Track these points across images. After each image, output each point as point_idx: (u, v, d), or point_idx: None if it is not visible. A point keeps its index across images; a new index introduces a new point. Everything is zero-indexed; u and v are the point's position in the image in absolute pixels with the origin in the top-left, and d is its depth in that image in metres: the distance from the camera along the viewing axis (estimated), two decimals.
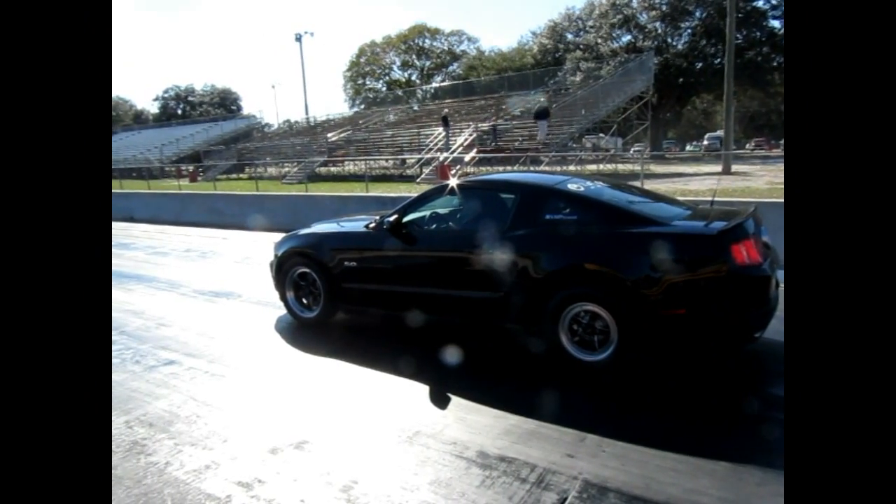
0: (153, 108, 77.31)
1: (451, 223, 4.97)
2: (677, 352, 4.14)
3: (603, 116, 26.02)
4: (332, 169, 31.60)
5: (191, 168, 34.69)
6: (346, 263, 5.10)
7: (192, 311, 6.27)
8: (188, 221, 14.98)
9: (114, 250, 10.97)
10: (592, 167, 19.75)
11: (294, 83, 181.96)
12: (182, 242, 11.81)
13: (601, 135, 25.16)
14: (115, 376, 4.40)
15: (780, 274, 3.66)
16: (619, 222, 3.98)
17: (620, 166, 22.84)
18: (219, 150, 40.35)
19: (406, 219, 4.84)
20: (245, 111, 68.65)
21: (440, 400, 3.78)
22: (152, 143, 46.84)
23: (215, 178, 32.11)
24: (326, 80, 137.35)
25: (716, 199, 4.75)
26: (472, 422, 3.45)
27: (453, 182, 4.89)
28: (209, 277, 8.02)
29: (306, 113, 47.25)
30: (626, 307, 3.78)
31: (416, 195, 5.13)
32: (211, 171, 34.20)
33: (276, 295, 5.77)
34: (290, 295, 5.61)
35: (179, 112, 74.43)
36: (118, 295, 7.11)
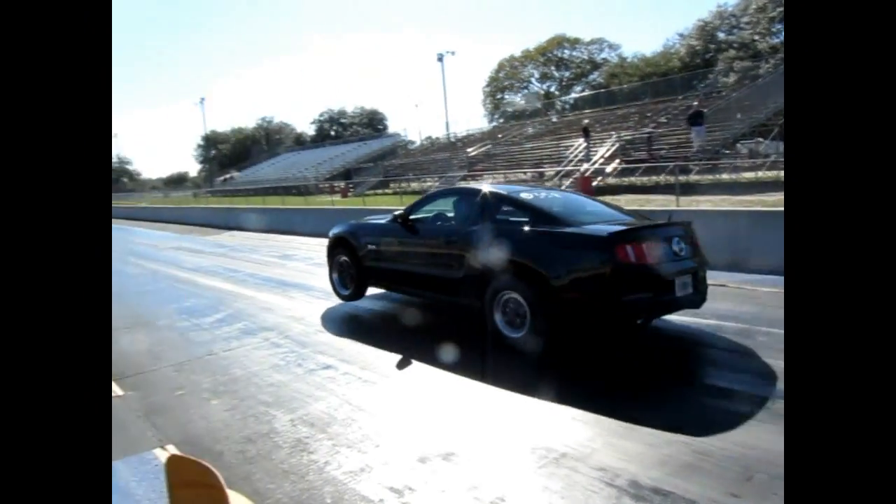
0: (310, 131, 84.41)
1: (438, 220, 6.12)
2: (576, 331, 4.93)
3: (762, 120, 23.82)
4: (472, 183, 32.24)
5: (342, 185, 37.25)
6: (368, 247, 6.69)
7: (346, 320, 6.69)
8: None
9: (278, 261, 12.08)
10: (749, 175, 18.08)
11: (435, 101, 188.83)
12: None
13: (759, 139, 23.07)
14: (281, 377, 4.82)
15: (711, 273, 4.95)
16: (543, 223, 4.86)
17: (783, 173, 20.70)
18: (367, 168, 43.02)
19: (412, 215, 6.23)
20: (390, 130, 72.54)
21: (586, 422, 3.64)
22: (309, 163, 51.13)
23: (364, 193, 34.19)
24: (466, 97, 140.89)
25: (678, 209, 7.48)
26: (622, 448, 3.28)
27: (443, 188, 6.46)
28: None
29: (447, 129, 48.64)
30: (538, 291, 4.65)
31: (422, 196, 6.62)
32: (360, 187, 36.49)
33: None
34: (334, 276, 7.37)
35: (332, 133, 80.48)
36: (282, 301, 7.81)
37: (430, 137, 52.33)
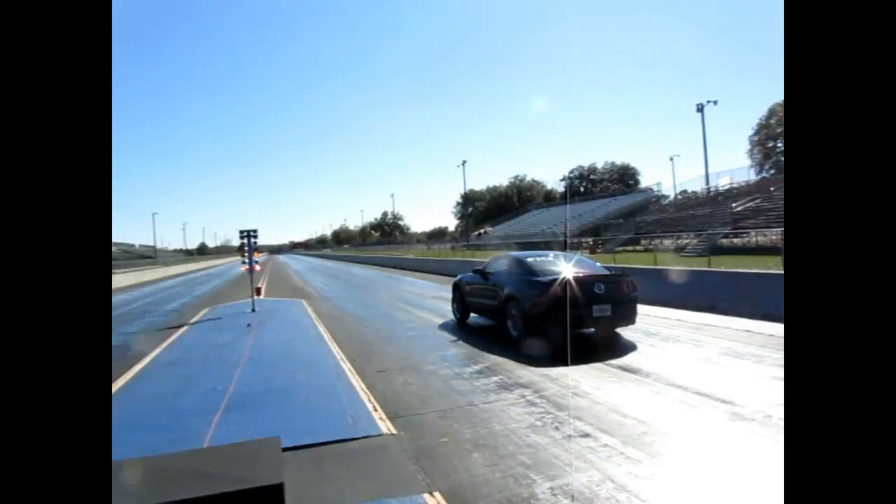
0: (560, 187, 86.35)
1: (491, 272, 10.22)
2: (542, 335, 8.18)
3: None
4: (735, 240, 29.11)
5: (590, 241, 36.91)
6: (466, 288, 11.16)
7: (603, 385, 6.39)
8: None
9: None
10: None
11: (693, 152, 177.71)
12: None
13: None
14: (538, 438, 4.75)
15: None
16: (527, 274, 8.83)
17: None
18: (617, 224, 42.03)
19: (486, 269, 10.48)
20: (643, 184, 70.20)
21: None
22: (558, 219, 52.03)
23: (613, 250, 33.32)
24: (726, 146, 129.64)
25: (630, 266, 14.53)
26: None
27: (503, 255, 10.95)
28: (616, 350, 8.13)
29: (706, 183, 45.05)
30: (521, 310, 8.49)
31: (490, 260, 11.55)
32: (609, 243, 35.70)
33: (694, 384, 5.44)
34: (454, 306, 11.96)
35: (582, 189, 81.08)
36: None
37: (685, 191, 49.16)
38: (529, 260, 9.48)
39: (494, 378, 6.88)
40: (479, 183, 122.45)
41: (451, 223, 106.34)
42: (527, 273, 8.99)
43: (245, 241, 14.86)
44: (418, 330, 11.22)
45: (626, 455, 4.35)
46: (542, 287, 8.25)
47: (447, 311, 13.73)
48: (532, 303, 8.31)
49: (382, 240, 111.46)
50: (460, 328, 11.08)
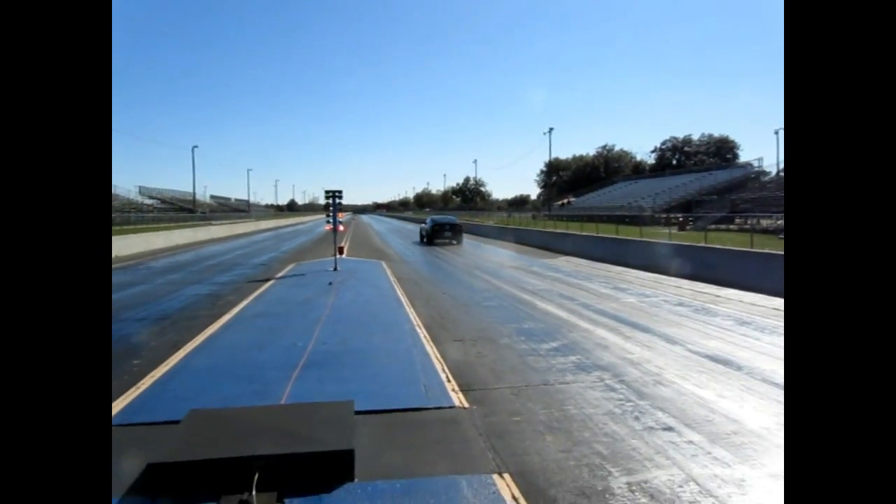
0: (650, 160, 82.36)
1: (426, 222, 31.45)
2: (430, 241, 28.91)
3: None
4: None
5: (680, 217, 35.10)
6: (421, 228, 32.26)
7: (689, 375, 6.00)
8: (679, 273, 14.95)
9: (611, 293, 11.83)
10: None
11: None
12: (674, 294, 11.80)
13: None
14: (617, 427, 4.50)
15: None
16: (430, 222, 30.42)
17: None
18: (710, 200, 39.64)
19: (426, 221, 31.93)
20: (742, 159, 65.65)
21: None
22: (646, 192, 49.76)
23: (705, 228, 31.50)
24: None
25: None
26: None
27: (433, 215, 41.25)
28: (704, 338, 7.64)
29: None
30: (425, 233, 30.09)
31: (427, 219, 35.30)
32: (700, 220, 33.78)
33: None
34: (421, 237, 31.09)
35: (674, 162, 76.95)
36: (617, 340, 7.50)
37: None
38: (430, 216, 32.65)
39: (572, 357, 6.64)
40: (565, 152, 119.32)
41: (534, 191, 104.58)
42: (430, 221, 29.71)
43: (330, 200, 15.16)
44: (495, 300, 11.08)
45: (712, 455, 4.03)
46: (431, 226, 28.72)
47: (527, 283, 13.49)
48: (429, 230, 28.51)
49: (463, 205, 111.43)
50: (538, 305, 10.83)
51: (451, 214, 47.09)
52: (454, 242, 27.72)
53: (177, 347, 7.01)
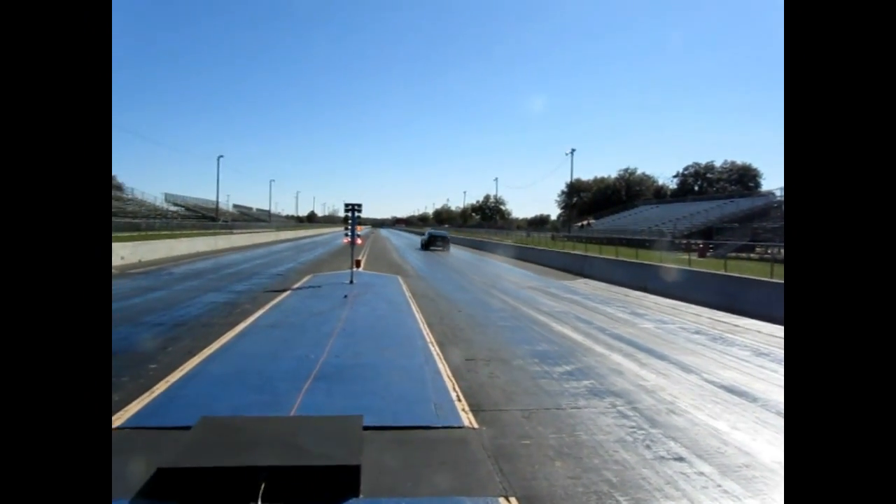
0: (672, 184, 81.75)
1: (425, 233, 50.99)
2: (425, 248, 42.33)
3: None
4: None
5: (700, 244, 34.70)
6: (423, 237, 50.73)
7: (703, 405, 5.89)
8: (698, 300, 14.74)
9: (629, 318, 11.70)
10: None
11: None
12: (692, 321, 11.63)
13: None
14: (627, 455, 4.43)
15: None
16: (428, 234, 47.99)
17: None
18: (731, 228, 39.17)
19: (426, 232, 52.30)
20: (764, 188, 64.88)
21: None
22: (667, 217, 49.35)
23: (725, 256, 31.08)
24: None
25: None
26: None
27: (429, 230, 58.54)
28: (721, 367, 7.50)
29: None
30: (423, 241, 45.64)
31: (426, 231, 56.00)
32: (721, 248, 33.35)
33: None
34: (423, 244, 44.21)
35: (696, 188, 76.30)
36: (632, 366, 7.40)
37: None
38: (428, 230, 49.44)
39: (586, 382, 6.57)
40: (587, 173, 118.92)
41: (554, 211, 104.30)
42: (427, 234, 45.99)
43: (349, 214, 15.28)
44: (511, 320, 11.03)
45: (723, 488, 3.94)
46: (427, 237, 44.02)
47: (543, 305, 13.42)
48: (426, 240, 43.05)
49: (483, 223, 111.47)
50: (554, 327, 10.76)
51: (443, 230, 68.05)
52: (443, 249, 40.71)
53: (192, 354, 7.08)
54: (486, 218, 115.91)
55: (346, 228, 15.54)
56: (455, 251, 40.77)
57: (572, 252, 29.37)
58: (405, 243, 54.27)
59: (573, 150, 57.36)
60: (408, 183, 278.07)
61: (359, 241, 15.93)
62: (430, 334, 8.86)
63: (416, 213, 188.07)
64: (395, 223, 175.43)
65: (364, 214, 15.81)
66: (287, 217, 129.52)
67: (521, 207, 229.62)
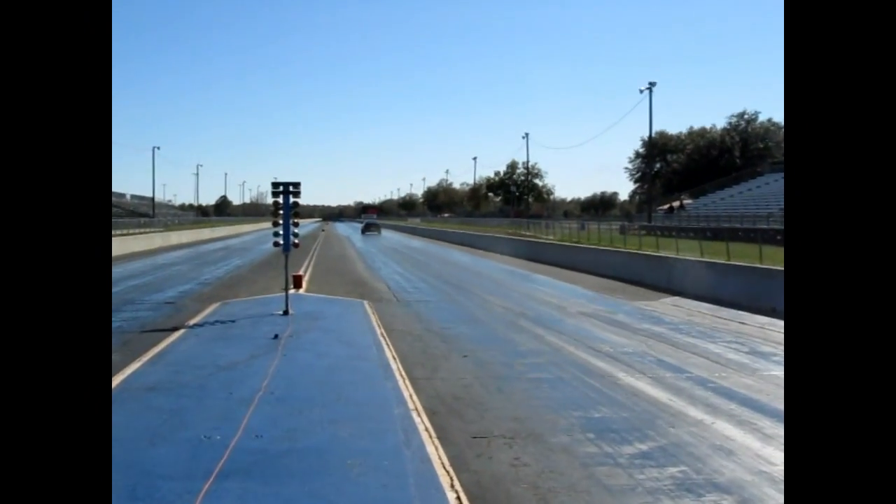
0: None
1: (363, 222, 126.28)
2: (364, 234, 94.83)
3: None
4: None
5: None
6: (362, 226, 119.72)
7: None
8: None
9: (745, 361, 11.68)
10: None
11: None
12: None
13: None
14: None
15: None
16: (364, 222, 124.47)
17: None
18: None
19: (363, 222, 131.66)
20: None
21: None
22: None
23: None
24: None
25: None
26: None
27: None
28: None
29: None
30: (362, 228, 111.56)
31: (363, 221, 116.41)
32: None
33: None
34: (363, 232, 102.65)
35: None
36: (748, 440, 7.39)
37: None
38: (365, 219, 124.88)
39: (673, 469, 6.54)
40: (675, 124, 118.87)
41: (624, 187, 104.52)
42: (364, 221, 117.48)
43: (279, 199, 15.19)
44: (549, 369, 11.04)
45: None
46: (364, 224, 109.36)
47: (603, 342, 13.44)
48: (364, 226, 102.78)
49: (506, 207, 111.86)
50: (620, 378, 10.76)
51: (375, 219, 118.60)
52: (376, 234, 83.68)
53: None
54: (512, 200, 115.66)
55: (276, 224, 15.46)
56: (457, 255, 40.90)
57: (653, 253, 29.41)
58: (377, 246, 54.49)
59: (651, 85, 56.48)
60: (385, 155, 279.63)
61: (296, 241, 15.90)
62: (414, 396, 8.86)
63: (394, 197, 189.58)
64: (363, 212, 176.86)
65: (314, 202, 16.27)
66: (183, 207, 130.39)
67: (567, 183, 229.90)
